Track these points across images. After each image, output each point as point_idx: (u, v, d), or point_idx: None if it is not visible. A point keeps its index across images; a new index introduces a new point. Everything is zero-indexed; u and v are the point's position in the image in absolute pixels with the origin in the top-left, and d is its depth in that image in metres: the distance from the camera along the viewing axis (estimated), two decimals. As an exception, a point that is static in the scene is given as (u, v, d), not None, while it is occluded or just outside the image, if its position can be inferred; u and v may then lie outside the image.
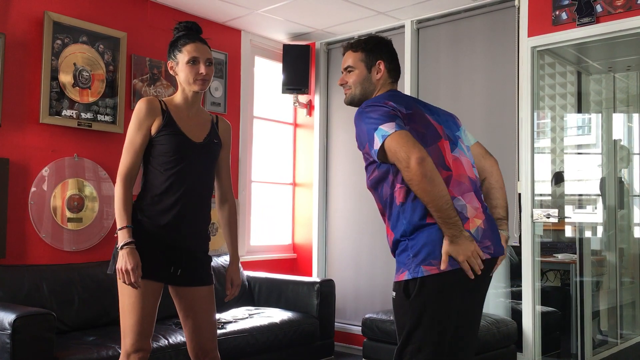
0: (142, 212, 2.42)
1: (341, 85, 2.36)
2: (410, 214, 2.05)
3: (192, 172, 2.46)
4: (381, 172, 2.11)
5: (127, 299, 2.38)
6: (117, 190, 2.39)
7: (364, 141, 2.08)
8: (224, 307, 4.05)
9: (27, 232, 3.67)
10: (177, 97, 2.53)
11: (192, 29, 2.53)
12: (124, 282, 2.32)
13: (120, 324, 2.41)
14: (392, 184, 2.09)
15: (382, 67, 2.31)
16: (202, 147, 2.50)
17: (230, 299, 2.66)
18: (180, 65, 2.47)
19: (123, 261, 2.30)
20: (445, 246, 1.98)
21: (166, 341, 3.34)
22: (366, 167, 2.18)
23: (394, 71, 2.40)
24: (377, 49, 2.32)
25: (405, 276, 2.04)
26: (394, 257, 2.14)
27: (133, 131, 2.42)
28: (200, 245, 2.53)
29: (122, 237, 2.33)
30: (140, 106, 2.43)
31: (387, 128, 1.99)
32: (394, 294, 2.10)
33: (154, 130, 2.43)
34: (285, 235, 5.45)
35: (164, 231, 2.41)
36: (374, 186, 2.18)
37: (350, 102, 2.34)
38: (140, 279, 2.32)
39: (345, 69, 2.33)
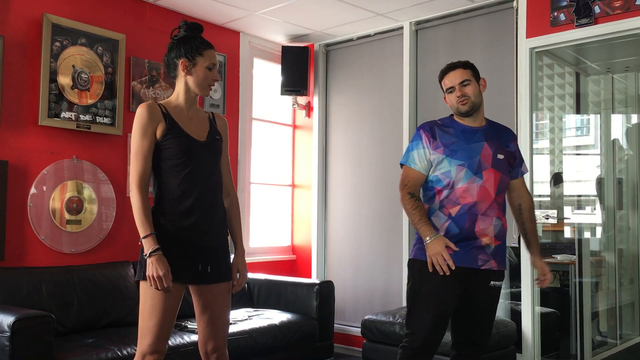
0: (164, 216, 2.43)
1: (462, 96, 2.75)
2: None
3: (203, 171, 2.49)
4: (510, 181, 2.83)
5: (149, 300, 2.38)
6: (135, 198, 2.38)
7: (521, 156, 2.91)
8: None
9: (26, 234, 3.67)
10: (176, 98, 2.53)
11: (200, 31, 2.56)
12: (156, 289, 2.33)
13: (139, 325, 2.41)
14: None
15: (484, 83, 2.85)
16: (207, 145, 2.52)
17: (238, 290, 2.65)
18: (198, 67, 2.48)
19: (153, 268, 2.30)
20: None
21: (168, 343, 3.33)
22: (507, 164, 2.77)
23: None
24: (475, 68, 2.84)
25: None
26: (501, 243, 2.73)
27: (138, 138, 2.41)
28: (220, 240, 2.56)
29: (148, 244, 2.33)
30: (141, 112, 2.42)
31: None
32: (502, 282, 2.80)
33: (158, 134, 2.43)
34: (284, 237, 5.45)
35: (187, 232, 2.43)
36: (508, 185, 2.81)
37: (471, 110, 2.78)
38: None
39: (461, 83, 2.75)
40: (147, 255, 2.31)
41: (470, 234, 2.66)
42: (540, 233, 4.13)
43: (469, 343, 2.78)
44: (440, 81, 2.83)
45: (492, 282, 2.72)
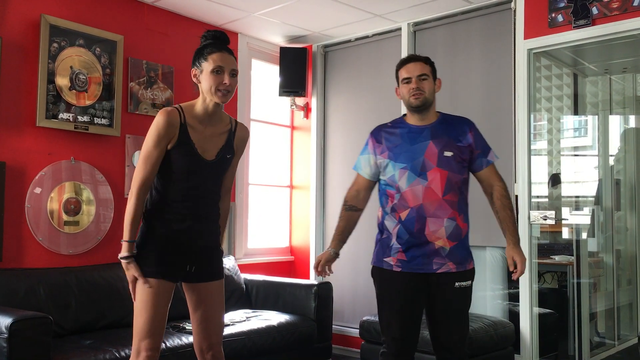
0: (157, 218, 2.46)
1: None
2: (468, 218, 2.74)
3: (203, 187, 2.51)
4: (467, 176, 2.73)
5: (139, 297, 2.42)
6: (131, 201, 2.41)
7: (485, 145, 2.75)
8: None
9: (24, 236, 3.66)
10: (197, 107, 2.48)
11: (219, 39, 2.49)
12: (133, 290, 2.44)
13: (133, 323, 2.44)
14: (468, 189, 2.75)
15: (439, 84, 2.80)
16: (214, 165, 2.51)
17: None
18: (204, 73, 2.42)
19: (127, 275, 2.43)
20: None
21: (164, 344, 3.33)
22: (458, 160, 2.66)
23: None
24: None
25: (473, 264, 2.75)
26: (458, 243, 2.65)
27: (151, 145, 2.39)
28: (212, 240, 2.58)
29: (124, 249, 2.41)
30: (160, 121, 2.38)
31: (494, 152, 2.80)
32: (469, 282, 2.70)
33: (170, 144, 2.42)
34: (282, 238, 5.45)
35: (178, 235, 2.45)
36: (463, 181, 2.69)
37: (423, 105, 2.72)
38: (154, 279, 2.40)
39: (419, 76, 2.70)
40: (120, 257, 2.40)
41: (420, 237, 2.63)
42: (538, 234, 4.12)
43: (443, 348, 2.72)
44: (397, 71, 2.78)
45: (456, 284, 2.66)
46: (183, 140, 2.42)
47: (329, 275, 2.86)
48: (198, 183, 2.48)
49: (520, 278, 3.99)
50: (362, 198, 2.87)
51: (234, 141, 2.59)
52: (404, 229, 2.65)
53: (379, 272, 2.76)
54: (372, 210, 4.96)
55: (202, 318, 2.54)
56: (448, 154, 2.64)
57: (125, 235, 2.41)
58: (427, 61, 2.75)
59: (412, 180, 2.64)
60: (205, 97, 2.46)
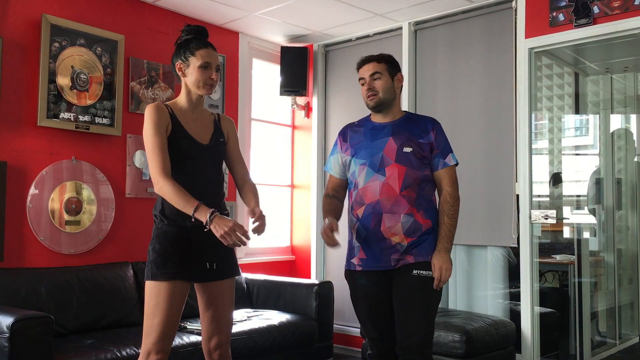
0: (165, 218, 2.46)
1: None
2: (436, 214, 2.66)
3: (204, 173, 2.52)
4: (428, 173, 2.66)
5: (153, 299, 2.40)
6: (166, 186, 2.34)
7: (446, 147, 2.68)
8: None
9: (25, 235, 3.66)
10: (181, 100, 2.57)
11: (202, 34, 2.58)
12: (239, 245, 2.29)
13: (144, 324, 2.43)
14: (434, 187, 2.70)
15: (401, 78, 2.75)
16: (210, 149, 2.56)
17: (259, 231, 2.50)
18: (191, 68, 2.50)
19: (220, 228, 2.25)
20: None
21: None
22: (418, 157, 2.62)
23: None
24: (395, 63, 2.75)
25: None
26: (417, 239, 2.58)
27: (152, 135, 2.42)
28: None
29: (203, 213, 2.28)
30: (151, 112, 2.45)
31: (454, 156, 2.72)
32: (429, 272, 2.55)
33: (166, 133, 2.46)
34: (283, 237, 5.45)
35: (190, 232, 2.44)
36: (423, 178, 2.63)
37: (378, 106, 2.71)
38: (165, 281, 2.38)
39: (372, 75, 2.67)
40: (209, 219, 2.27)
41: (376, 233, 2.59)
42: (539, 233, 4.12)
43: (401, 346, 2.54)
44: (358, 72, 2.77)
45: (414, 271, 2.54)
46: (176, 128, 2.48)
47: (338, 243, 2.57)
48: (197, 171, 2.49)
49: (521, 277, 4.00)
50: (341, 193, 2.84)
51: (221, 128, 2.66)
52: (361, 227, 2.63)
53: (348, 274, 2.74)
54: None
55: (213, 317, 2.55)
56: (407, 149, 2.61)
57: (191, 204, 2.29)
58: (380, 59, 2.71)
59: (370, 177, 2.62)
60: (189, 90, 2.55)
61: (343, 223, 2.68)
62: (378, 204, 2.59)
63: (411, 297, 2.55)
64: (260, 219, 2.49)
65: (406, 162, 2.60)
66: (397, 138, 2.65)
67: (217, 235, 2.27)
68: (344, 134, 2.82)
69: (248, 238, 2.33)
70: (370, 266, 2.63)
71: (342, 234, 2.64)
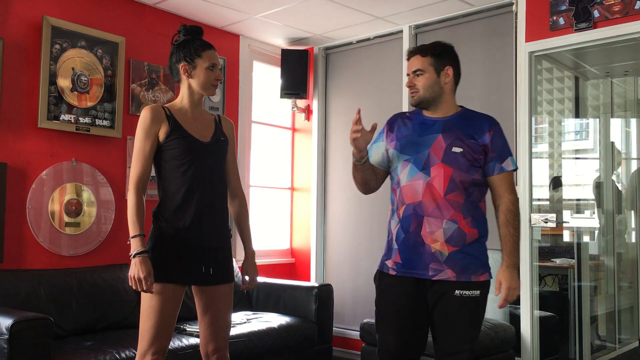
0: (164, 218, 2.46)
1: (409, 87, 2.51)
2: (484, 224, 2.46)
3: (206, 172, 2.51)
4: (478, 177, 2.42)
5: (147, 301, 2.41)
6: (130, 198, 2.42)
7: (504, 150, 2.44)
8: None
9: (25, 237, 3.66)
10: (181, 101, 2.58)
11: (200, 34, 2.59)
12: (136, 290, 2.35)
13: (139, 326, 2.43)
14: (483, 193, 2.47)
15: (450, 72, 2.53)
16: (211, 146, 2.55)
17: (245, 289, 2.76)
18: (198, 69, 2.52)
19: (135, 269, 2.32)
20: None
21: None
22: (469, 158, 2.39)
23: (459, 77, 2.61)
24: (445, 54, 2.53)
25: (487, 277, 2.43)
26: (460, 249, 2.36)
27: (141, 139, 2.45)
28: (223, 241, 2.58)
29: (135, 245, 2.36)
30: (144, 114, 2.47)
31: (513, 160, 2.50)
32: (477, 292, 2.36)
33: (162, 136, 2.47)
34: (283, 240, 5.45)
35: (189, 233, 2.45)
36: (472, 182, 2.40)
37: (419, 104, 2.52)
38: (160, 284, 2.37)
39: (414, 72, 2.48)
40: (132, 255, 2.34)
41: (416, 238, 2.38)
42: (539, 237, 4.12)
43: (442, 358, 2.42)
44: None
45: (457, 292, 2.34)
46: (175, 128, 2.48)
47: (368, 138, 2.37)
48: (198, 170, 2.48)
49: (521, 279, 3.99)
50: (377, 180, 2.59)
51: (222, 129, 2.66)
52: (401, 228, 2.42)
53: (379, 276, 2.52)
54: (370, 212, 4.99)
55: (211, 322, 2.54)
56: (457, 149, 2.37)
57: (132, 230, 2.37)
58: (425, 53, 2.49)
59: (413, 175, 2.40)
60: (192, 90, 2.55)
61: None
62: (420, 206, 2.37)
63: (456, 317, 2.37)
64: (252, 282, 2.72)
65: (454, 163, 2.37)
66: (447, 136, 2.41)
67: (130, 272, 2.33)
68: (391, 123, 2.57)
69: (151, 292, 2.35)
70: (405, 272, 2.41)
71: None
